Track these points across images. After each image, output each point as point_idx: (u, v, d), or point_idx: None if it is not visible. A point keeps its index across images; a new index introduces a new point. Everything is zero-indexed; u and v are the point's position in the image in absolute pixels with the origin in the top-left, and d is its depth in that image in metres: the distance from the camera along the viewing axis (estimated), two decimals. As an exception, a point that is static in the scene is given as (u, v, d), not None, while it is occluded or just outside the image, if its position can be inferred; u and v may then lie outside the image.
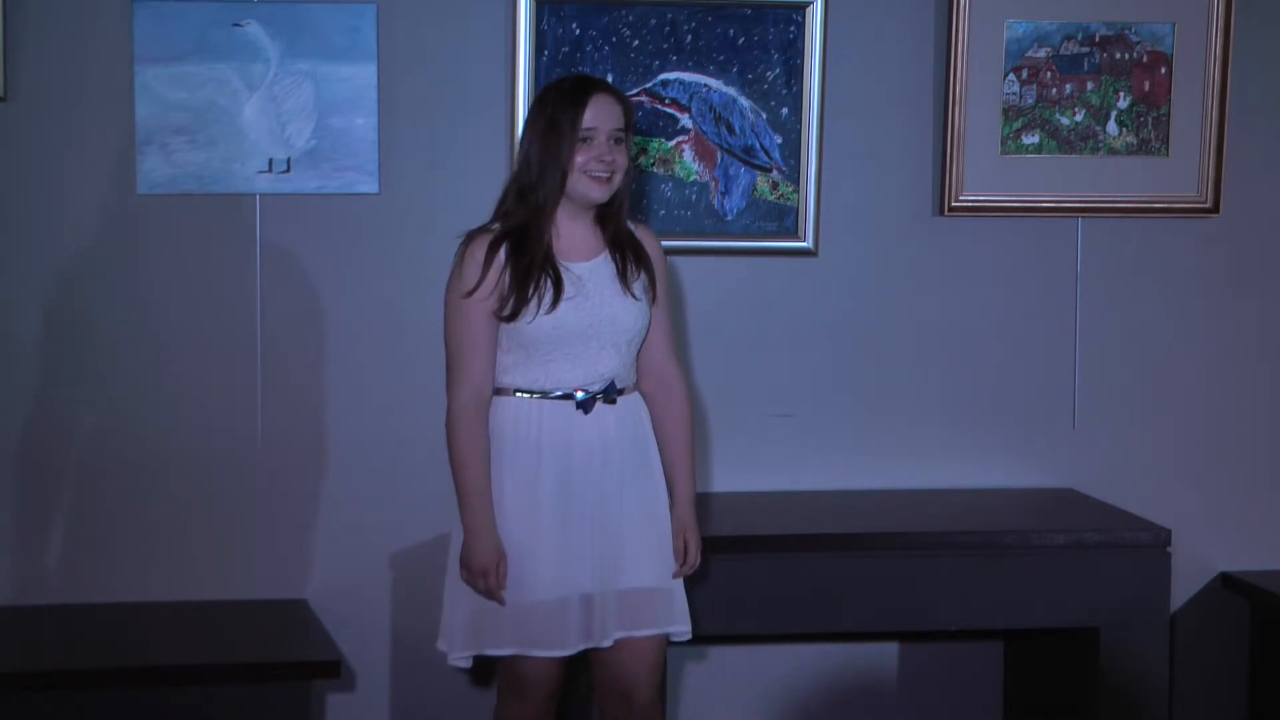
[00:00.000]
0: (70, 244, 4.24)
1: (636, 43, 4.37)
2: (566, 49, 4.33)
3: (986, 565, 4.18)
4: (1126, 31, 4.53)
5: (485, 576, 3.50)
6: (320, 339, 4.35)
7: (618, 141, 3.51)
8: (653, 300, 3.62)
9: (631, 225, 3.64)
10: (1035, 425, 4.64)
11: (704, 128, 4.42)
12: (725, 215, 4.45)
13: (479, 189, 4.33)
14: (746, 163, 4.45)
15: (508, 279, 3.49)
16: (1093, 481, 4.64)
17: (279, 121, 4.26)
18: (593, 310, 3.52)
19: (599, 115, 3.48)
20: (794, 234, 4.48)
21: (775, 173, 4.46)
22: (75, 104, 4.21)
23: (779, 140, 4.45)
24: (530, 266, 3.49)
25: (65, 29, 4.19)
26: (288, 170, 4.28)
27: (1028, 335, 4.62)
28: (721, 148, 4.43)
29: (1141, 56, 4.53)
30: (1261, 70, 4.62)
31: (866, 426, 4.57)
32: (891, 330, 4.57)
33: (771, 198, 4.47)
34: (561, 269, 3.51)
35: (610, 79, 4.32)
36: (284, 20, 4.23)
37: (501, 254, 3.49)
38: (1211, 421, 4.70)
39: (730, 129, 4.42)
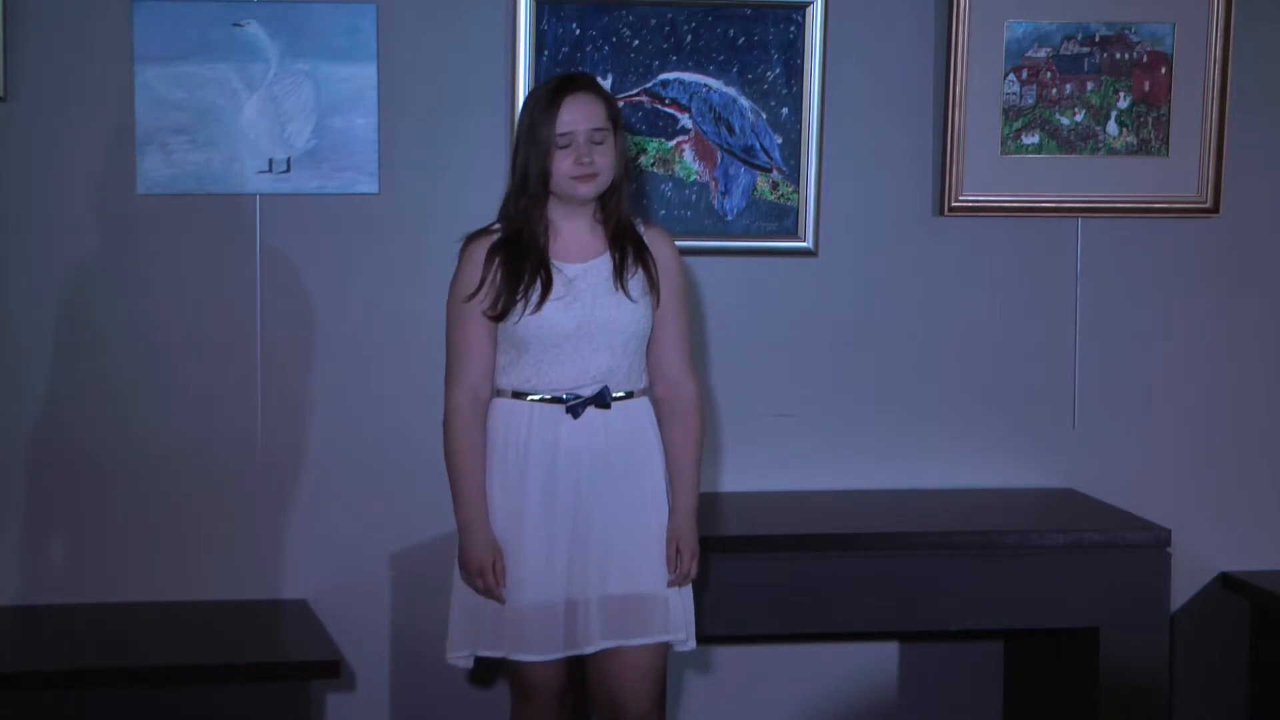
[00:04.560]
0: (70, 244, 4.24)
1: (636, 43, 4.37)
2: (566, 49, 4.33)
3: (986, 565, 4.18)
4: (1126, 31, 4.53)
5: (482, 575, 3.51)
6: (320, 339, 4.35)
7: (599, 140, 3.51)
8: (656, 302, 3.61)
9: (644, 228, 3.65)
10: (1035, 425, 4.64)
11: (704, 128, 4.42)
12: (725, 215, 4.45)
13: (479, 189, 4.34)
14: (746, 163, 4.45)
15: (500, 279, 3.50)
16: (1093, 481, 4.63)
17: (279, 121, 4.26)
18: (582, 311, 3.52)
19: (575, 117, 3.49)
20: (794, 234, 4.48)
21: (775, 173, 4.46)
22: (75, 104, 4.21)
23: (779, 140, 4.45)
24: (521, 266, 3.50)
25: (65, 29, 4.19)
26: (288, 170, 4.28)
27: (1028, 335, 4.62)
28: (721, 148, 4.43)
29: (1141, 56, 4.53)
30: (1261, 70, 4.62)
31: (866, 426, 4.57)
32: (891, 330, 4.57)
33: (771, 198, 4.47)
34: (553, 269, 3.52)
35: (610, 79, 4.33)
36: (284, 20, 4.23)
37: (499, 256, 3.51)
38: (1211, 421, 4.70)
39: (730, 129, 4.42)
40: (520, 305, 3.49)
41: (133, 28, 4.19)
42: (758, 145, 4.44)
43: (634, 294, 3.56)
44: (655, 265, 3.60)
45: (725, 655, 4.57)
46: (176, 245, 4.29)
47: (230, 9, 4.21)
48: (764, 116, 4.44)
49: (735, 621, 4.12)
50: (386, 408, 4.38)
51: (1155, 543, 4.23)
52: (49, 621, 4.19)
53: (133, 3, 4.18)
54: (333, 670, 3.92)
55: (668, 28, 4.37)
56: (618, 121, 3.56)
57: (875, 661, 4.67)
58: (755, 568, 4.09)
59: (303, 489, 4.37)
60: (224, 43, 4.22)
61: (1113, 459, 4.65)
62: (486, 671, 4.37)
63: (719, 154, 4.43)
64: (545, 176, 3.50)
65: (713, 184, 4.45)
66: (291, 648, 4.04)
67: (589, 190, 3.53)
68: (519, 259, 3.51)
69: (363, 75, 4.27)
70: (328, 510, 4.38)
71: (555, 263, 3.54)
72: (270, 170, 4.27)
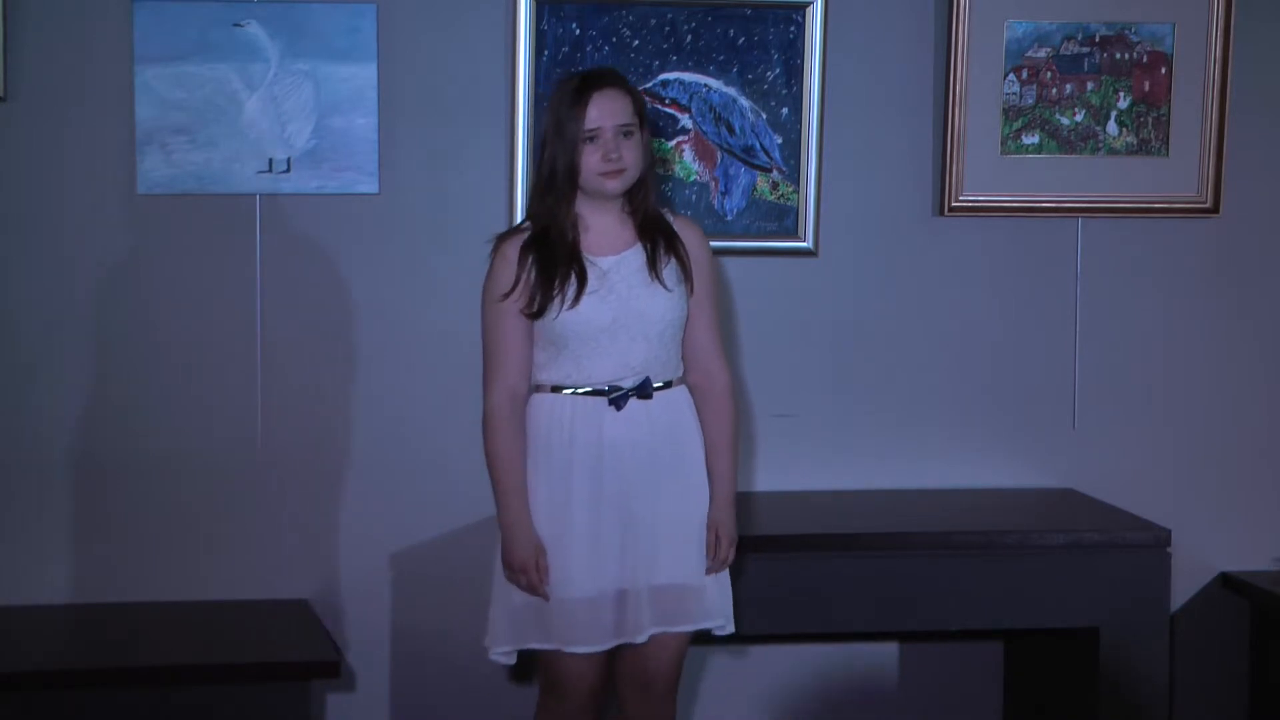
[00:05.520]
0: (70, 244, 4.24)
1: (636, 43, 4.37)
2: (566, 49, 4.33)
3: (986, 565, 4.18)
4: (1126, 31, 4.53)
5: (525, 572, 3.52)
6: (320, 339, 4.35)
7: (627, 135, 3.52)
8: (689, 291, 3.62)
9: (672, 218, 3.66)
10: (1035, 425, 4.64)
11: (704, 128, 4.42)
12: (725, 215, 4.45)
13: (479, 189, 4.35)
14: (746, 163, 4.45)
15: (534, 277, 3.51)
16: (1093, 481, 4.63)
17: (279, 121, 4.26)
18: (618, 303, 3.53)
19: (603, 113, 3.50)
20: (794, 234, 4.48)
21: (775, 173, 4.46)
22: (75, 104, 4.21)
23: (779, 140, 4.45)
24: (554, 263, 3.51)
25: (65, 29, 4.19)
26: (288, 170, 4.28)
27: (1028, 335, 4.62)
28: (721, 148, 4.43)
29: (1141, 56, 4.53)
30: (1261, 70, 4.62)
31: (866, 426, 4.57)
32: (891, 330, 4.57)
33: (771, 198, 4.47)
34: (586, 263, 3.54)
35: (610, 79, 4.33)
36: (284, 20, 4.23)
37: (531, 253, 3.52)
38: (1211, 421, 4.70)
39: (730, 129, 4.42)
40: (557, 301, 3.51)
41: (133, 28, 4.19)
42: (758, 145, 4.44)
43: (669, 283, 3.58)
44: (687, 254, 3.62)
45: (725, 655, 4.57)
46: (176, 245, 4.29)
47: (230, 9, 4.21)
48: (764, 116, 4.44)
49: (735, 621, 4.11)
50: (386, 408, 4.37)
51: (1155, 543, 4.23)
52: (49, 622, 4.19)
53: (133, 3, 4.18)
54: (333, 670, 3.92)
55: (668, 28, 4.37)
56: (644, 116, 3.57)
57: (875, 661, 4.67)
58: (755, 568, 4.09)
59: (303, 489, 4.37)
60: (224, 43, 4.22)
61: (1113, 459, 4.65)
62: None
63: (719, 154, 4.44)
64: (573, 172, 3.51)
65: (713, 184, 4.45)
66: (291, 648, 4.04)
67: (617, 185, 3.54)
68: (551, 255, 3.52)
69: (363, 75, 4.27)
70: (328, 510, 4.38)
71: (588, 257, 3.55)
72: (270, 170, 4.27)
